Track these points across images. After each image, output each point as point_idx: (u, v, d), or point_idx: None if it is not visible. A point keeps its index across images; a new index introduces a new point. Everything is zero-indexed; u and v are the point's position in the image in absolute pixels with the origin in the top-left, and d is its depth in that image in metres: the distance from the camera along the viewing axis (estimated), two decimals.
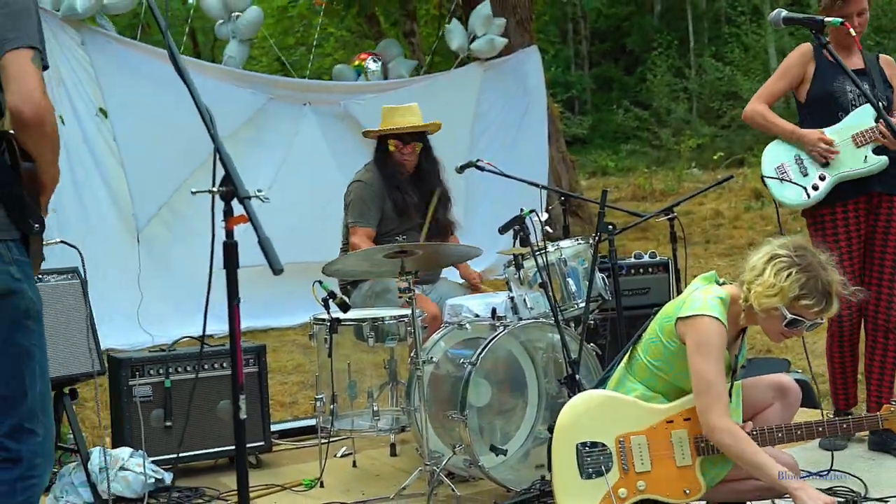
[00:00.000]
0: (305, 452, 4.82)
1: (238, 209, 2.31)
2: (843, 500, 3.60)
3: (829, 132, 4.34)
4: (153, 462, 4.21)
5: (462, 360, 4.07)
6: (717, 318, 3.14)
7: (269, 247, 2.21)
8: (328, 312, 4.27)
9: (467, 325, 4.27)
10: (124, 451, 4.18)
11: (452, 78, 9.88)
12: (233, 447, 2.57)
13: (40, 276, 4.05)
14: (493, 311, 4.27)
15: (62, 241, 3.65)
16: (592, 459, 3.20)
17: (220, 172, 2.34)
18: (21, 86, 2.45)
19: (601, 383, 3.54)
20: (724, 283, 3.33)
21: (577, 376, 3.85)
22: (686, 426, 3.24)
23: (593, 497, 3.18)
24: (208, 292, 2.45)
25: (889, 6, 21.42)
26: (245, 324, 7.55)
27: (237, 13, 8.61)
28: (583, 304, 4.34)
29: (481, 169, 4.88)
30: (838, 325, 4.43)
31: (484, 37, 9.74)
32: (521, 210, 4.23)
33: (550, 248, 4.37)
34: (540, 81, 10.55)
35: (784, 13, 3.85)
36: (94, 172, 7.68)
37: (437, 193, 5.08)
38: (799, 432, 3.23)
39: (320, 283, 4.22)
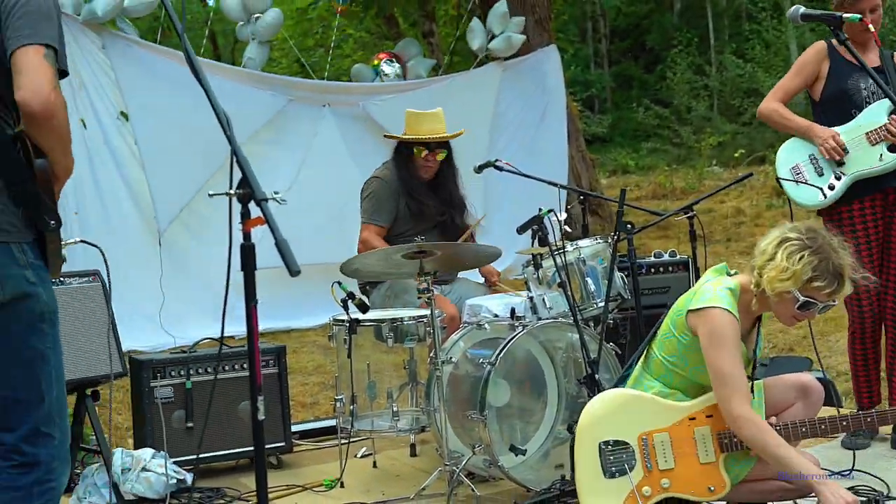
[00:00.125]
0: (326, 453, 4.84)
1: (255, 211, 2.32)
2: (865, 499, 3.58)
3: (843, 130, 4.31)
4: (175, 463, 4.24)
5: (481, 361, 4.07)
6: (727, 310, 3.13)
7: (285, 248, 2.22)
8: (347, 313, 4.28)
9: (486, 326, 4.27)
10: (146, 452, 4.21)
11: (471, 78, 9.88)
12: (253, 448, 2.58)
13: (62, 279, 4.08)
14: (512, 311, 4.27)
15: (83, 241, 3.67)
16: (615, 458, 3.19)
17: (238, 175, 2.35)
18: (30, 80, 2.45)
19: (620, 382, 3.53)
20: (735, 274, 3.32)
21: (597, 376, 3.84)
22: (709, 423, 3.23)
23: (617, 496, 3.17)
24: (226, 294, 2.47)
25: None
26: (266, 325, 7.61)
27: (257, 15, 8.64)
28: (602, 304, 4.32)
29: (499, 169, 4.87)
30: (860, 323, 4.41)
31: (501, 35, 9.73)
32: (540, 210, 4.23)
33: (569, 248, 4.37)
34: (559, 80, 10.53)
35: (802, 10, 3.84)
36: (115, 175, 7.73)
37: (468, 231, 5.09)
38: (823, 427, 3.22)
39: (339, 283, 4.23)
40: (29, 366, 2.60)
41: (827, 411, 4.09)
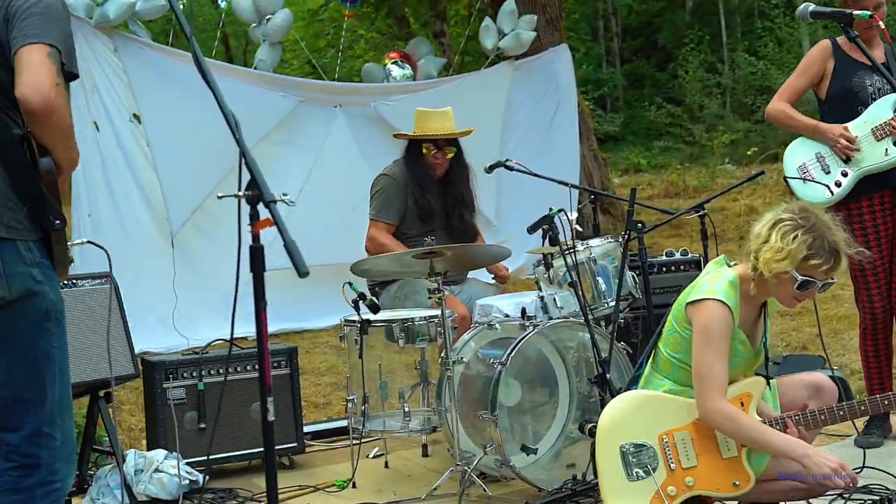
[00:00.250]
0: (338, 453, 4.85)
1: (264, 213, 2.33)
2: (877, 498, 3.56)
3: (850, 127, 4.30)
4: (187, 464, 4.25)
5: (492, 360, 4.07)
6: (722, 302, 3.13)
7: (294, 250, 2.22)
8: (358, 314, 4.29)
9: (497, 325, 4.27)
10: (159, 453, 4.23)
11: (482, 78, 9.86)
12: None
13: (74, 281, 4.10)
14: (523, 310, 4.27)
15: (89, 242, 3.68)
16: (637, 460, 3.18)
17: (247, 176, 2.36)
18: (31, 77, 2.47)
19: (632, 383, 3.53)
20: (734, 265, 3.32)
21: (608, 375, 3.84)
22: None
23: (643, 498, 3.16)
24: (235, 295, 2.48)
25: None
26: (278, 326, 7.62)
27: (268, 16, 8.65)
28: (613, 303, 4.32)
29: (510, 169, 4.87)
30: (871, 319, 4.41)
31: (511, 33, 9.72)
32: (550, 209, 4.23)
33: (580, 247, 4.37)
34: (570, 79, 10.50)
35: (812, 7, 3.83)
36: (128, 177, 7.75)
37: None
38: (841, 413, 3.21)
39: (350, 284, 4.24)
40: (34, 365, 2.60)
41: None
